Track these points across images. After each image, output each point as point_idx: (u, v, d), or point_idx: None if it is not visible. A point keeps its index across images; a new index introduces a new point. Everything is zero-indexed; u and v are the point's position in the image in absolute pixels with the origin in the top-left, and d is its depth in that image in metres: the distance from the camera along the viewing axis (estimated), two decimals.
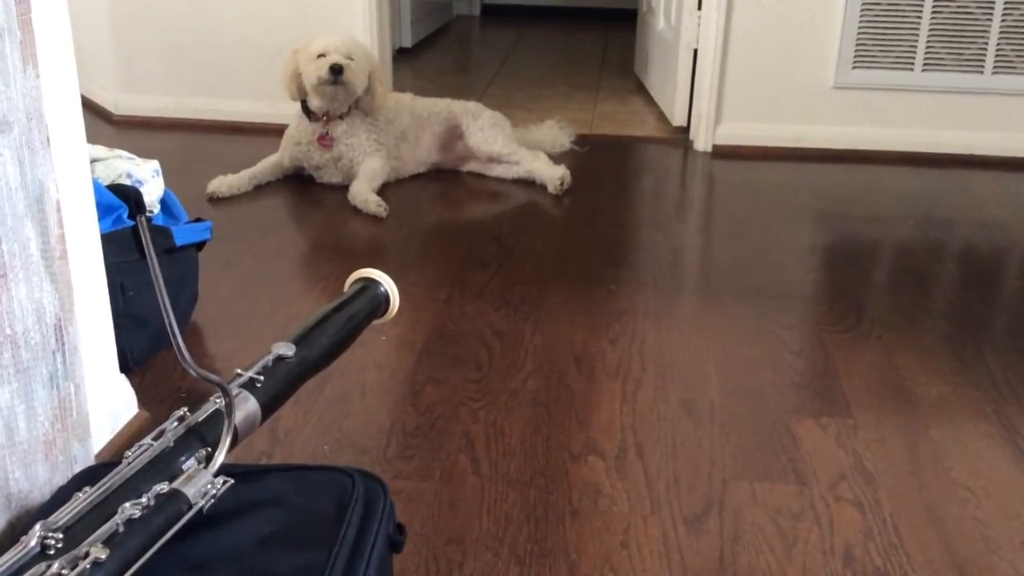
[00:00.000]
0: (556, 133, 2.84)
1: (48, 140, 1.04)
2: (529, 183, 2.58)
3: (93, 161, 1.63)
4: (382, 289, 1.19)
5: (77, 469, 1.10)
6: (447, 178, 2.66)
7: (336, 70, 2.37)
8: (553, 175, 2.53)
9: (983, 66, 2.80)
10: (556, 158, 2.68)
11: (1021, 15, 2.75)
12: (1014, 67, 2.80)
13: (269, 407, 0.98)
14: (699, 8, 2.88)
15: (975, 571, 1.16)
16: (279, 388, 1.00)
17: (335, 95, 2.43)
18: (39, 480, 1.04)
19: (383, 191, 2.45)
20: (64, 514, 0.77)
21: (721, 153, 2.90)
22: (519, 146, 2.63)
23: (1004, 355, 1.70)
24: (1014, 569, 1.16)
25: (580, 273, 2.03)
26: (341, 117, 2.49)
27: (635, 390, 1.56)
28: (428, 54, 4.37)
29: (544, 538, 1.20)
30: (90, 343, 1.23)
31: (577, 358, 1.66)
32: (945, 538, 1.22)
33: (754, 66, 2.86)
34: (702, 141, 2.92)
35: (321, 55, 2.40)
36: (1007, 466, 1.38)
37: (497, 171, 2.64)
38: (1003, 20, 2.75)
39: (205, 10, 3.00)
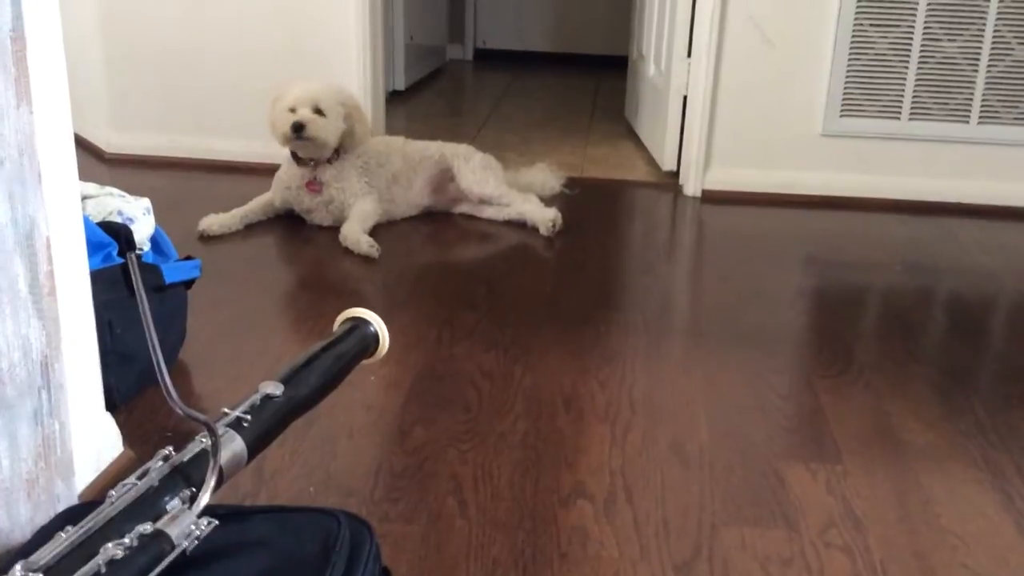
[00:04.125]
0: (547, 176, 2.86)
1: (40, 177, 1.04)
2: (520, 225, 2.60)
3: (84, 198, 1.63)
4: (372, 329, 1.19)
5: (60, 508, 1.08)
6: (438, 219, 2.67)
7: (297, 128, 2.38)
8: (545, 217, 2.54)
9: (969, 116, 2.84)
10: (547, 201, 2.69)
11: (1006, 67, 2.79)
12: (1000, 117, 2.84)
13: (255, 447, 0.97)
14: (689, 56, 2.91)
15: None
16: (266, 428, 0.99)
17: (304, 148, 2.45)
18: (21, 519, 1.02)
19: (374, 232, 2.45)
20: (45, 553, 0.76)
21: (710, 198, 2.92)
22: (510, 188, 2.65)
23: (992, 401, 1.70)
24: None
25: (570, 315, 2.03)
26: (330, 161, 2.50)
27: (624, 433, 1.56)
28: (421, 97, 4.41)
29: None
30: (76, 380, 1.22)
31: (566, 400, 1.66)
32: None
33: (743, 113, 2.89)
34: (691, 186, 2.94)
35: (291, 109, 2.41)
36: (996, 512, 1.37)
37: (488, 213, 2.65)
38: (988, 71, 2.80)
39: (199, 50, 3.02)
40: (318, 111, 2.41)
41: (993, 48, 2.78)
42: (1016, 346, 1.98)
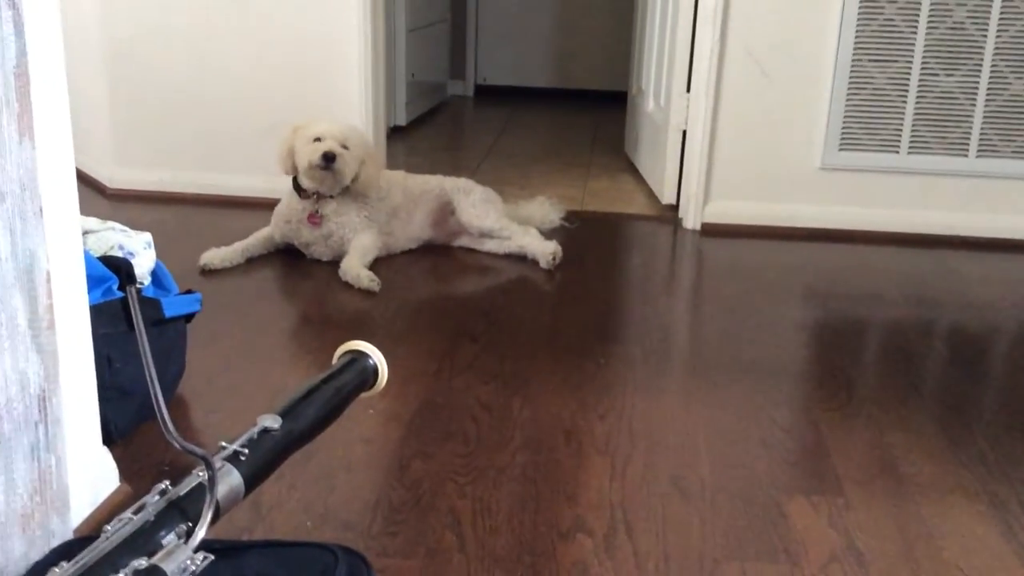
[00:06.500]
0: (547, 209, 2.87)
1: (41, 211, 1.05)
2: (520, 258, 2.60)
3: (85, 233, 1.64)
4: (371, 362, 1.19)
5: (55, 543, 1.08)
6: (438, 253, 2.67)
7: (329, 157, 2.40)
8: (545, 250, 2.54)
9: (967, 149, 2.86)
10: (546, 234, 2.70)
11: (1004, 101, 2.81)
12: (997, 151, 2.85)
13: (253, 481, 0.97)
14: (688, 91, 2.94)
15: None
16: (263, 461, 0.99)
17: (324, 179, 2.46)
18: (15, 554, 1.02)
19: (373, 266, 2.46)
20: None
21: (710, 231, 2.93)
22: (510, 222, 2.66)
23: (993, 434, 1.69)
24: None
25: (570, 347, 2.03)
26: (332, 196, 2.51)
27: (624, 466, 1.55)
28: (422, 132, 4.44)
29: None
30: (74, 415, 1.22)
31: (566, 433, 1.65)
32: None
33: (742, 147, 2.90)
34: (691, 219, 2.95)
35: (317, 139, 2.43)
36: (998, 544, 1.36)
37: (488, 246, 2.66)
38: (986, 105, 2.82)
39: (201, 87, 3.05)
40: (344, 146, 2.44)
41: (991, 82, 2.80)
42: (1017, 378, 1.97)
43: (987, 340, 2.19)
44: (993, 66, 2.78)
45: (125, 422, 1.56)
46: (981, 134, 2.84)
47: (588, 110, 4.99)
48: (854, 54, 2.79)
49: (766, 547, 1.34)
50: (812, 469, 1.56)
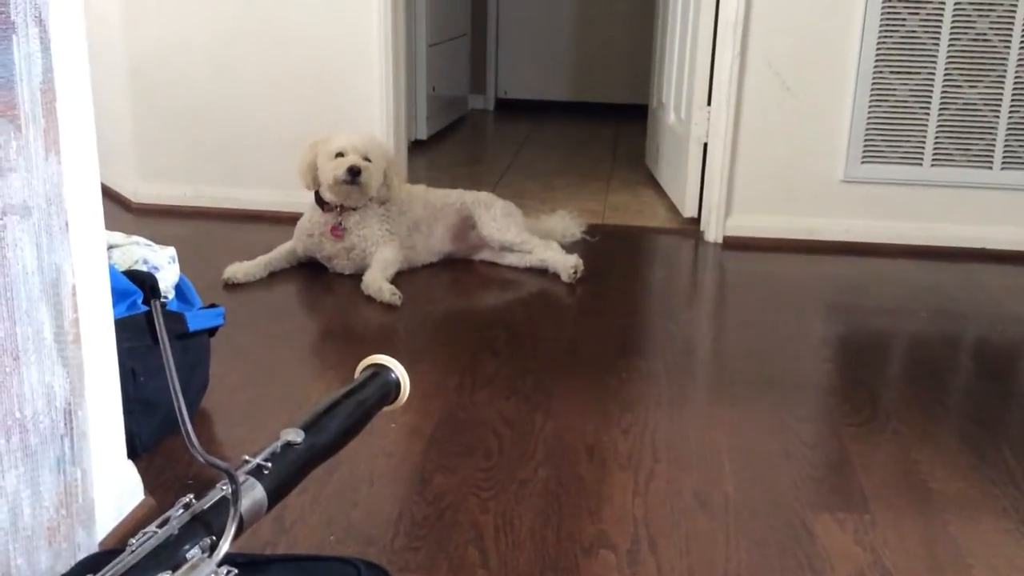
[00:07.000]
0: (567, 223, 2.87)
1: (67, 226, 1.06)
2: (541, 272, 2.60)
3: (111, 247, 1.65)
4: (393, 376, 1.19)
5: (80, 556, 1.08)
6: (459, 266, 2.67)
7: (354, 172, 2.41)
8: (566, 264, 2.54)
9: (992, 161, 2.83)
10: (567, 248, 2.69)
11: None
12: (1023, 163, 2.83)
13: (276, 495, 0.97)
14: (709, 103, 2.93)
15: None
16: (287, 475, 0.99)
17: (350, 194, 2.47)
18: (41, 567, 1.02)
19: (395, 279, 2.46)
20: None
21: (732, 244, 2.92)
22: (531, 235, 2.66)
23: (1022, 450, 1.67)
24: None
25: (592, 362, 2.02)
26: (354, 208, 2.52)
27: (648, 481, 1.54)
28: (443, 146, 4.45)
29: None
30: (99, 428, 1.22)
31: (589, 448, 1.64)
32: None
33: (763, 160, 2.89)
34: (713, 232, 2.94)
35: (339, 154, 2.44)
36: None
37: (509, 260, 2.66)
38: (1010, 117, 2.79)
39: (224, 102, 3.07)
40: (366, 159, 2.45)
41: (1014, 94, 2.77)
42: None
43: (1014, 354, 2.17)
44: (1017, 77, 2.76)
45: (149, 435, 1.57)
46: (1005, 146, 2.82)
47: (608, 123, 4.99)
48: (876, 66, 2.78)
49: (791, 564, 1.33)
50: (837, 485, 1.55)
